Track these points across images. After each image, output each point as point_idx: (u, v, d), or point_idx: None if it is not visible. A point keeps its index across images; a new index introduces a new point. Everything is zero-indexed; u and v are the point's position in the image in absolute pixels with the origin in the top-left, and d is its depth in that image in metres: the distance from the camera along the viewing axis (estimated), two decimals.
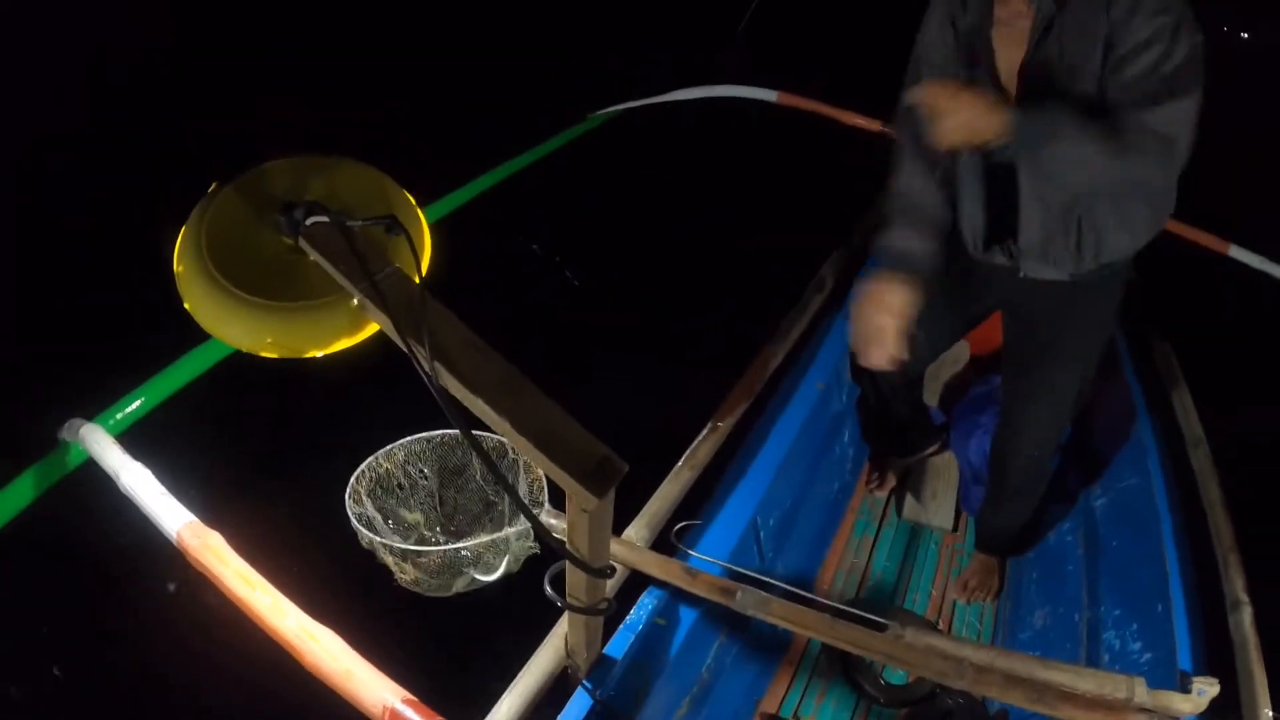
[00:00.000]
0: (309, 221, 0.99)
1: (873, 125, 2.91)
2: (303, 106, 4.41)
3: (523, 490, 1.68)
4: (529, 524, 1.66)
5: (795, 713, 1.99)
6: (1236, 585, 1.64)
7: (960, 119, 1.38)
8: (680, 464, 1.75)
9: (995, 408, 2.34)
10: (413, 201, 1.12)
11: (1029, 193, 1.61)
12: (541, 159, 3.04)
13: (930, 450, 2.50)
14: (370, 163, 1.12)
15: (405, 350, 0.96)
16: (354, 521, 1.65)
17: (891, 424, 2.40)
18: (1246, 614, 1.58)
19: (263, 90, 4.64)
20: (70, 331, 2.89)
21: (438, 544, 1.82)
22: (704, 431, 1.82)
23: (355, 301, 0.98)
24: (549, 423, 0.94)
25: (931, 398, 2.73)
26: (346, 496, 1.71)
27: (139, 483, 1.37)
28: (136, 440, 1.59)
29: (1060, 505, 2.26)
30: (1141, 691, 1.41)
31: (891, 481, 2.53)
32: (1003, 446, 2.04)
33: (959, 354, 2.75)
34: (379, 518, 1.74)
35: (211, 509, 1.37)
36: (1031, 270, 1.71)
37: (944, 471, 2.52)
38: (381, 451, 1.79)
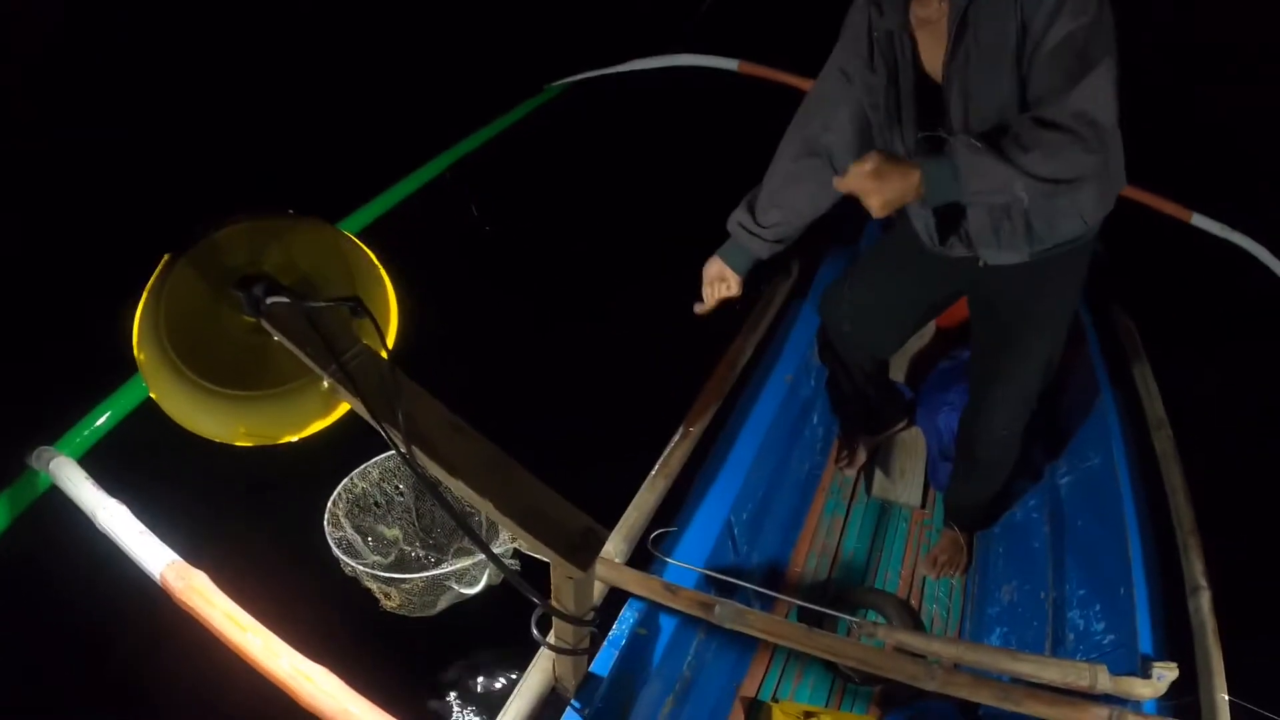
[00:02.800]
0: (269, 301, 0.95)
1: None
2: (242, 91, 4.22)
3: None
4: (507, 538, 1.67)
5: (774, 695, 2.05)
6: (1196, 570, 1.68)
7: (885, 196, 1.43)
8: (654, 472, 1.75)
9: (962, 385, 2.36)
10: (374, 258, 1.09)
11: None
12: (500, 133, 2.96)
13: (899, 426, 2.54)
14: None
15: (381, 433, 0.94)
16: (335, 549, 1.65)
17: (860, 402, 2.43)
18: (1205, 598, 1.62)
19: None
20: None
21: (418, 557, 1.84)
22: (676, 437, 1.82)
23: (325, 384, 0.96)
24: (532, 500, 0.94)
25: (898, 373, 2.76)
26: (325, 521, 1.71)
27: (117, 522, 1.33)
28: (100, 461, 1.55)
29: (1026, 481, 2.29)
30: (1104, 679, 1.47)
31: (861, 458, 2.56)
32: (972, 425, 2.06)
33: (925, 328, 2.76)
34: (359, 538, 1.75)
35: (189, 541, 1.33)
36: (990, 257, 1.72)
37: (912, 448, 2.55)
38: (356, 471, 1.78)
